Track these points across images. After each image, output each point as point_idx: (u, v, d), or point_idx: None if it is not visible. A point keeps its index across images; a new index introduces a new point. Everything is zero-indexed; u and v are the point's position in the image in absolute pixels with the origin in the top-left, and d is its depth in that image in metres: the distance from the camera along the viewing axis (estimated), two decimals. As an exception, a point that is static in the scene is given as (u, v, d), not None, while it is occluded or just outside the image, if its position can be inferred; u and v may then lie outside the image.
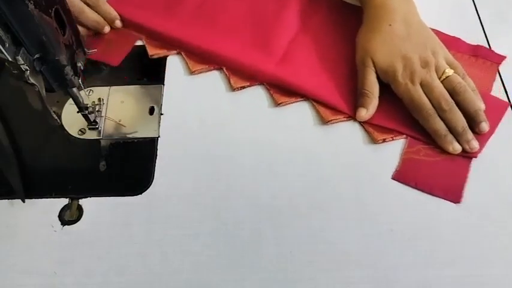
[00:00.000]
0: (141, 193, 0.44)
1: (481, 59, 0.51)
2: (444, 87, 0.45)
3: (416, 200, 0.43)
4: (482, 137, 0.45)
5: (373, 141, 0.46)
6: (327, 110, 0.47)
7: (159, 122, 0.48)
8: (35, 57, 0.36)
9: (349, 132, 0.46)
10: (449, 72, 0.46)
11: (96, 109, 0.47)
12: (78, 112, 0.45)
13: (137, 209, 0.43)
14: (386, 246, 0.40)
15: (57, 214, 0.42)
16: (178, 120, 0.48)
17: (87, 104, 0.45)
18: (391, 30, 0.48)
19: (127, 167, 0.46)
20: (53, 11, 0.35)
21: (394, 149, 0.45)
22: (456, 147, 0.44)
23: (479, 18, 0.54)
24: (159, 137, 0.47)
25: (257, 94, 0.49)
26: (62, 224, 0.42)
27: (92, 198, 0.43)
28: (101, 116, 0.48)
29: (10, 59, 0.34)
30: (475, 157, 0.44)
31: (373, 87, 0.47)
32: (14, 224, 0.42)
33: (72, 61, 0.39)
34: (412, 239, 0.41)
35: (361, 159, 0.45)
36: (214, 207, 0.43)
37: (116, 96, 0.49)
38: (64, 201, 0.43)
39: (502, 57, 0.50)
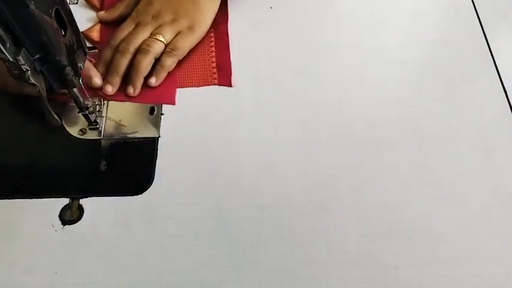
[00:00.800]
0: (141, 193, 0.44)
1: (214, 70, 0.50)
2: (143, 43, 0.47)
3: (417, 199, 0.43)
4: (129, 98, 0.48)
5: None
6: None
7: (159, 122, 0.48)
8: (36, 57, 0.36)
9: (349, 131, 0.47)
10: (160, 38, 0.47)
11: (97, 109, 0.47)
12: (78, 112, 0.45)
13: (137, 209, 0.43)
14: (386, 246, 0.41)
15: (58, 214, 0.42)
16: (178, 120, 0.48)
17: (88, 104, 0.45)
18: None
19: (127, 167, 0.46)
20: (53, 11, 0.35)
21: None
22: (96, 82, 0.48)
23: (478, 18, 0.54)
24: (159, 137, 0.47)
25: (257, 93, 0.49)
26: (62, 224, 0.42)
27: (93, 198, 0.43)
28: (102, 116, 0.48)
29: (11, 59, 0.34)
30: (103, 96, 0.48)
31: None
32: (14, 224, 0.42)
33: (72, 61, 0.39)
34: (412, 239, 0.41)
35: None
36: (215, 207, 0.43)
37: (117, 97, 0.49)
38: (65, 201, 0.43)
39: (228, 84, 0.49)
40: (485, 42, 0.52)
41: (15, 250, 0.41)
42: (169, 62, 0.48)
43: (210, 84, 0.49)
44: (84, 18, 0.54)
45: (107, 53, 0.48)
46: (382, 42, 0.52)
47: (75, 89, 0.42)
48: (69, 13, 0.38)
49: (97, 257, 0.40)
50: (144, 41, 0.47)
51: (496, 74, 0.50)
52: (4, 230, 0.42)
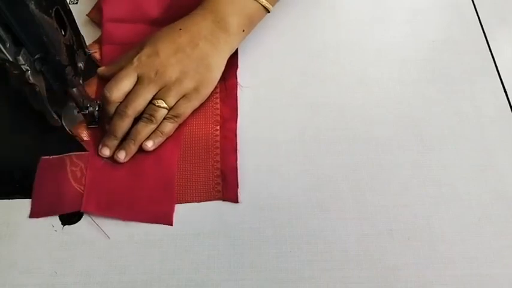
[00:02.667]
0: (141, 193, 0.44)
1: (218, 180, 0.44)
2: (145, 111, 0.44)
3: (417, 200, 0.43)
4: (123, 216, 0.42)
5: None
6: None
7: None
8: (36, 57, 0.36)
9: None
10: (162, 105, 0.43)
11: (97, 109, 0.47)
12: (78, 112, 0.45)
13: (137, 209, 0.43)
14: (386, 246, 0.41)
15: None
16: (178, 120, 0.48)
17: (88, 104, 0.45)
18: (176, 30, 0.46)
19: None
20: (53, 11, 0.35)
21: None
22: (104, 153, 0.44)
23: (478, 19, 0.54)
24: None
25: (257, 93, 0.49)
26: (62, 224, 0.42)
27: (92, 198, 0.43)
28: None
29: (11, 59, 0.34)
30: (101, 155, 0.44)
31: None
32: (14, 224, 0.42)
33: (72, 61, 0.39)
34: (412, 239, 0.41)
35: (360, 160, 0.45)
36: (214, 206, 0.43)
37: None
38: (64, 201, 0.43)
39: (233, 199, 0.43)
40: (485, 42, 0.52)
41: (14, 250, 0.41)
42: (170, 128, 0.45)
43: (212, 200, 0.43)
44: (84, 18, 0.54)
45: (111, 105, 0.44)
46: (382, 42, 0.53)
47: (75, 89, 0.42)
48: (69, 13, 0.38)
49: (97, 257, 0.40)
50: (146, 109, 0.44)
51: (496, 74, 0.50)
52: (4, 230, 0.42)
